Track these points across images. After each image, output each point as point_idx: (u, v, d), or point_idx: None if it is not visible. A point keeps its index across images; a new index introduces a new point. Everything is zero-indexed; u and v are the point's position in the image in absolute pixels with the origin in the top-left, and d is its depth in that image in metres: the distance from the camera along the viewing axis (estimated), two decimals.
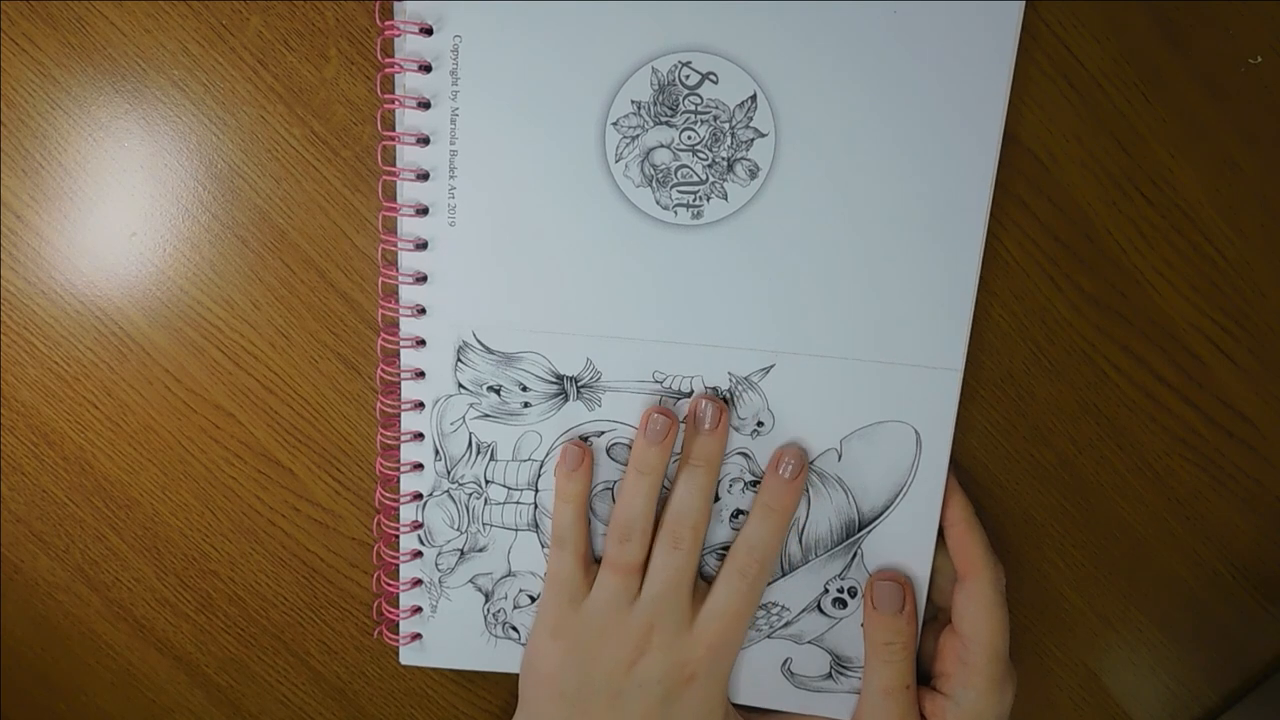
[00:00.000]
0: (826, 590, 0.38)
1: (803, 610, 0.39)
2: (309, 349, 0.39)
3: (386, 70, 0.34)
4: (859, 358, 0.36)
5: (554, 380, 0.37)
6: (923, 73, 0.33)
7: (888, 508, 0.37)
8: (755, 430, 0.37)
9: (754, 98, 0.34)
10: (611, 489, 0.38)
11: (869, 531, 0.38)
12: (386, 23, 0.34)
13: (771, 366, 0.36)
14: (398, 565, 0.39)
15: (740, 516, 0.38)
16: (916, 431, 0.36)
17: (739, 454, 0.37)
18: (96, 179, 0.37)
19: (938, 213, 0.34)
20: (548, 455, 0.38)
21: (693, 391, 0.37)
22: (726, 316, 0.36)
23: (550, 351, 0.37)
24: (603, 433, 0.37)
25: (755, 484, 0.37)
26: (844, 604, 0.38)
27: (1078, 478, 0.39)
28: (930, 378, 0.36)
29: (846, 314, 0.35)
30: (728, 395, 0.37)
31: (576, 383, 0.37)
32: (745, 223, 0.35)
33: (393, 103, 0.35)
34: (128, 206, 0.37)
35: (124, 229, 0.38)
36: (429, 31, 0.34)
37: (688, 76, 0.34)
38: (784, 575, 0.38)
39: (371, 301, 0.38)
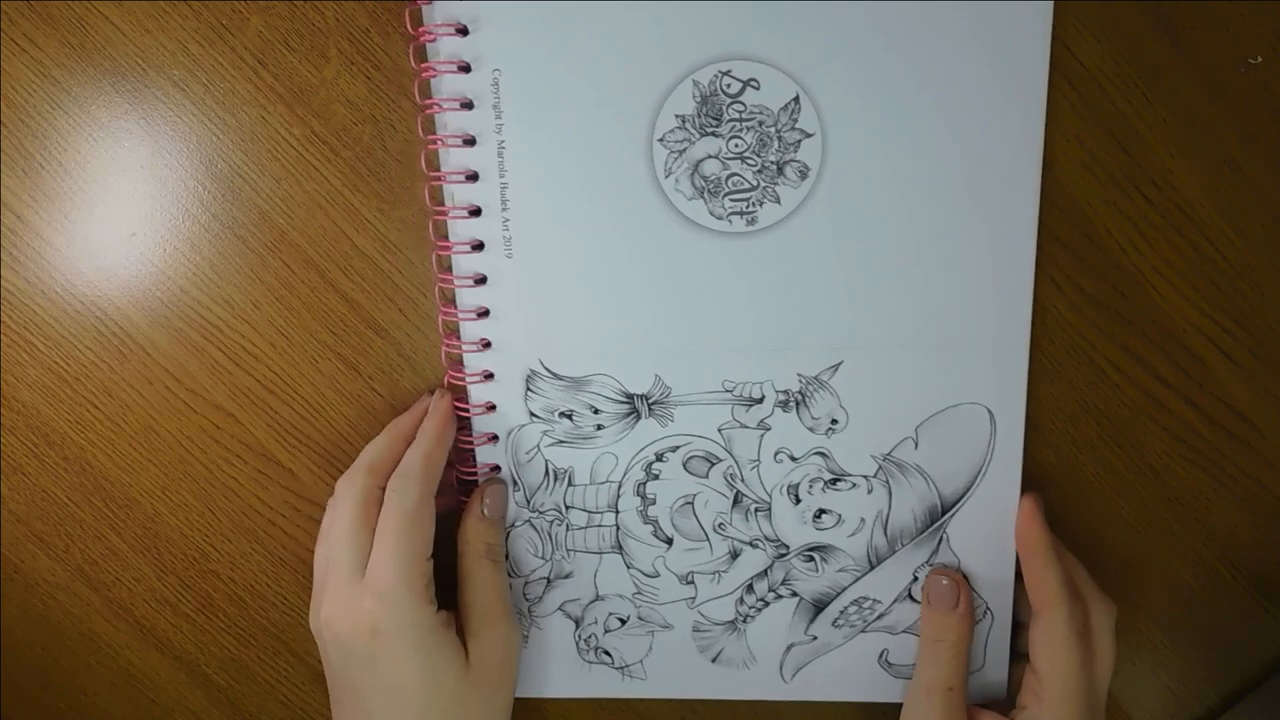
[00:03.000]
0: (915, 578, 0.39)
1: (894, 600, 0.39)
2: (309, 349, 0.39)
3: (427, 111, 0.34)
4: (925, 345, 0.36)
5: (625, 400, 0.37)
6: (962, 53, 0.33)
7: (968, 489, 0.37)
8: (830, 429, 0.37)
9: (797, 99, 0.34)
10: (691, 503, 0.38)
11: (952, 515, 0.38)
12: (424, 65, 0.34)
13: (840, 364, 0.36)
14: None
15: (823, 516, 0.38)
16: (989, 410, 0.36)
17: (816, 454, 0.37)
18: (96, 179, 0.37)
19: (988, 192, 0.34)
20: (625, 476, 0.38)
21: (764, 397, 0.37)
22: (791, 318, 0.36)
23: (619, 372, 0.37)
24: (678, 447, 0.38)
25: (834, 482, 0.38)
26: None
27: (1078, 478, 0.39)
28: (997, 357, 0.36)
29: (908, 303, 0.35)
30: (799, 396, 0.37)
31: (647, 400, 0.37)
32: (800, 224, 0.35)
33: (436, 143, 0.35)
34: (128, 206, 0.37)
35: (124, 229, 0.38)
36: (467, 69, 0.34)
37: (729, 85, 0.34)
38: (872, 568, 0.39)
39: (372, 301, 0.38)
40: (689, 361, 0.36)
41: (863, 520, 0.38)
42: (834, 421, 0.37)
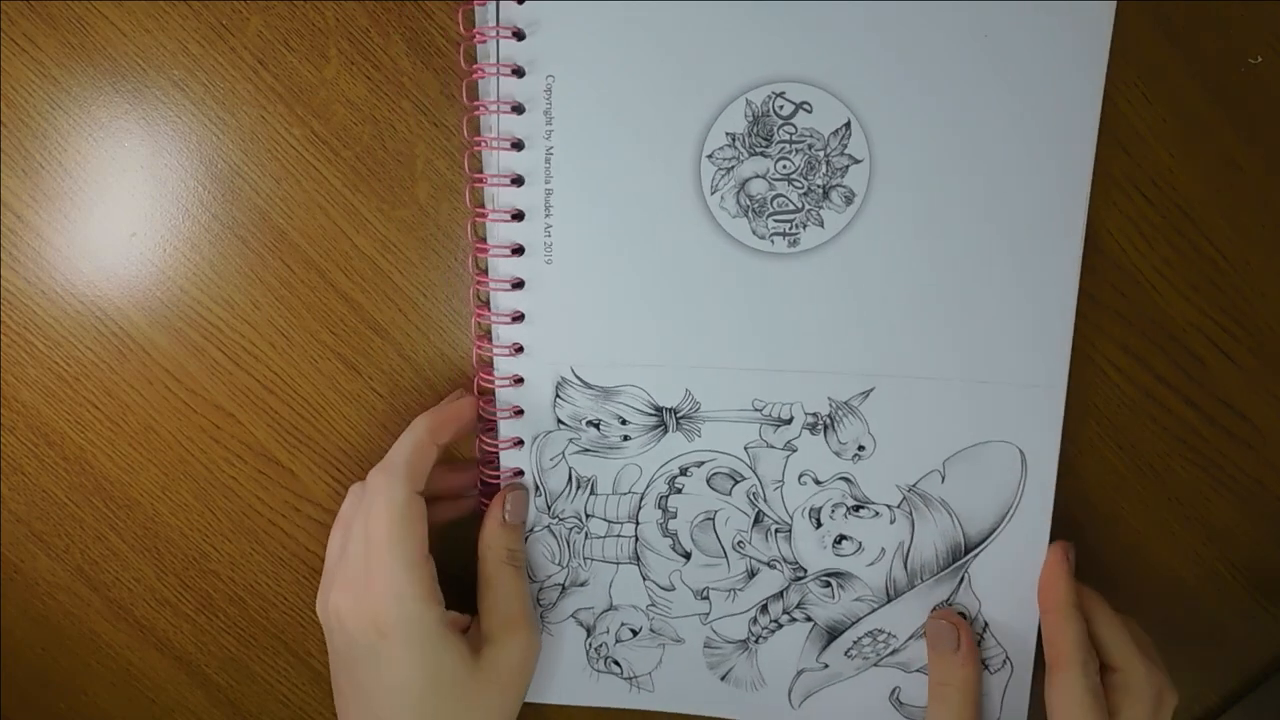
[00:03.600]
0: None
1: (910, 637, 0.38)
2: (309, 349, 0.39)
3: (474, 113, 0.34)
4: (959, 378, 0.35)
5: (653, 413, 0.37)
6: (1014, 92, 0.33)
7: (994, 530, 0.37)
8: (857, 455, 0.37)
9: (848, 125, 0.34)
10: (712, 519, 0.38)
11: (975, 555, 0.37)
12: (474, 66, 0.34)
13: (871, 390, 0.36)
14: None
15: (843, 542, 0.38)
16: (1021, 451, 0.36)
17: (840, 479, 0.37)
18: (96, 179, 0.37)
19: (1033, 229, 0.34)
20: (648, 488, 0.38)
21: (793, 419, 0.36)
22: (825, 342, 0.36)
23: (649, 384, 0.37)
24: (703, 463, 0.37)
25: (856, 509, 0.37)
26: None
27: (1079, 478, 0.39)
28: (1032, 396, 0.35)
29: (945, 335, 0.35)
30: (828, 420, 0.36)
31: (676, 414, 0.37)
32: (842, 249, 0.35)
33: (480, 144, 0.34)
34: (128, 206, 0.37)
35: (124, 229, 0.38)
36: (520, 73, 0.34)
37: (781, 107, 0.34)
38: (889, 600, 0.38)
39: (372, 301, 0.38)
40: (720, 378, 0.36)
41: (883, 550, 0.38)
42: (861, 448, 0.36)
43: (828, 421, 0.36)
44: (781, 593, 0.39)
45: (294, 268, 0.38)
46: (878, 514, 0.37)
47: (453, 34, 0.35)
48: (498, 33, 0.33)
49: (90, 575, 0.42)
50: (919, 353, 0.35)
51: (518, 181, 0.35)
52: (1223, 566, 0.40)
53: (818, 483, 0.37)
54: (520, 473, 0.38)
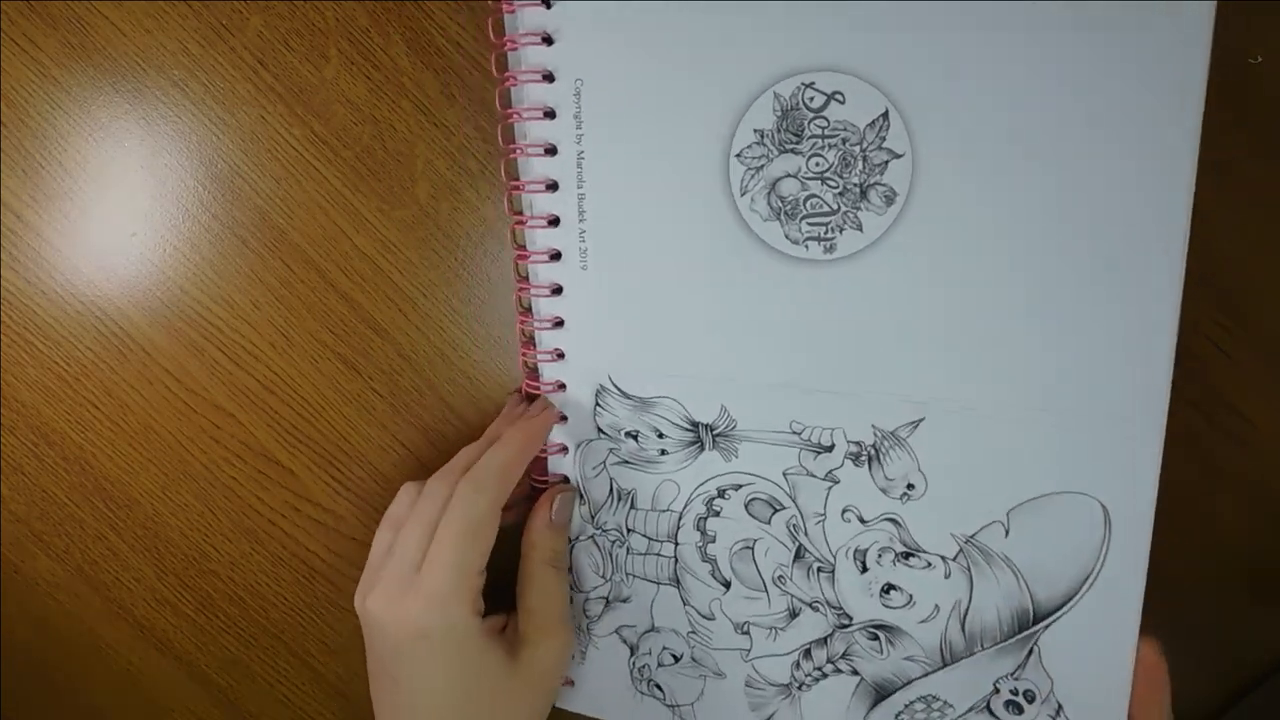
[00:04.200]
0: (997, 690, 0.33)
1: (969, 710, 0.34)
2: (309, 349, 0.39)
3: (508, 120, 0.34)
4: (1025, 414, 0.30)
5: (690, 428, 0.35)
6: (1089, 77, 0.28)
7: (1071, 600, 0.31)
8: (905, 494, 0.32)
9: (885, 115, 0.30)
10: (752, 548, 0.35)
11: (1047, 626, 0.32)
12: (505, 74, 0.33)
13: (921, 420, 0.32)
14: None
15: (891, 592, 0.34)
16: (1104, 507, 0.30)
17: (888, 520, 0.33)
18: (96, 179, 0.37)
19: (1118, 236, 0.28)
20: (686, 507, 0.36)
21: (834, 446, 0.33)
22: (868, 362, 0.32)
23: (685, 397, 0.34)
24: (740, 486, 0.35)
25: (906, 556, 0.33)
26: (1019, 709, 0.33)
27: None
28: (1120, 440, 0.30)
29: (1006, 360, 0.30)
30: (872, 451, 0.32)
31: (712, 431, 0.34)
32: (884, 255, 0.31)
33: (515, 151, 0.34)
34: (128, 206, 0.37)
35: (124, 229, 0.38)
36: (550, 78, 0.33)
37: (811, 99, 0.30)
38: (944, 665, 0.34)
39: (372, 301, 0.38)
40: (756, 395, 0.33)
41: (937, 608, 0.33)
42: (910, 486, 0.32)
43: (872, 453, 0.32)
44: (826, 639, 0.35)
45: (294, 268, 0.38)
46: (930, 565, 0.33)
47: (453, 34, 0.35)
48: (526, 40, 0.33)
49: (90, 575, 0.42)
50: (975, 379, 0.30)
51: (552, 187, 0.34)
52: (1223, 566, 0.40)
53: (863, 521, 0.33)
54: (567, 480, 0.37)
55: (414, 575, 0.33)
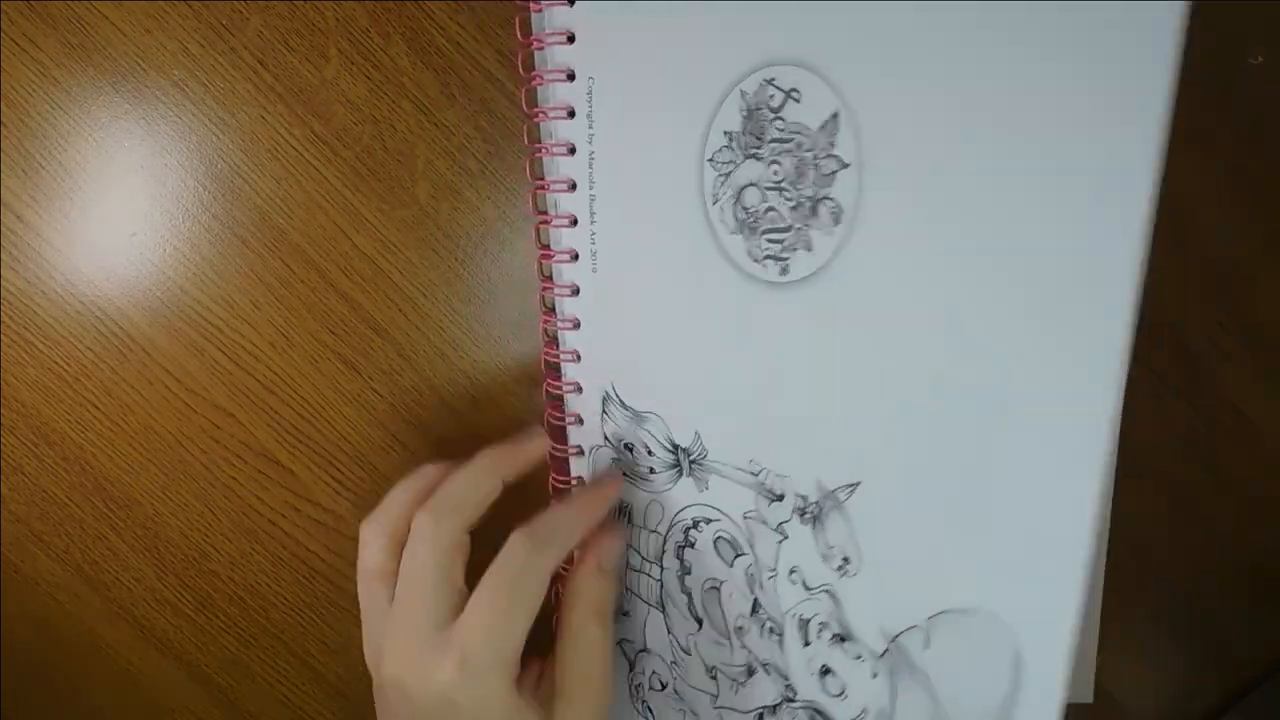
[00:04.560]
0: None
1: None
2: (309, 349, 0.39)
3: (533, 120, 0.34)
4: (964, 491, 0.24)
5: (670, 449, 0.33)
6: (1055, 74, 0.23)
7: None
8: (842, 566, 0.28)
9: (835, 116, 0.25)
10: (719, 589, 0.33)
11: None
12: (531, 74, 0.33)
13: (858, 484, 0.27)
14: None
15: (828, 677, 0.29)
16: (1016, 640, 0.24)
17: (825, 592, 0.29)
18: (96, 179, 0.37)
19: (1079, 271, 0.22)
20: (668, 532, 0.33)
21: (784, 496, 0.29)
22: (815, 404, 0.27)
23: (668, 416, 0.32)
24: (710, 520, 0.32)
25: (843, 640, 0.29)
26: None
27: None
28: (1044, 560, 0.23)
29: (949, 422, 0.24)
30: (816, 509, 0.28)
31: (688, 456, 0.32)
32: (829, 283, 0.26)
33: (540, 150, 0.34)
34: (128, 206, 0.37)
35: (124, 229, 0.38)
36: (572, 77, 0.32)
37: (772, 96, 0.27)
38: None
39: (372, 301, 0.38)
40: (723, 425, 0.30)
41: (864, 710, 0.29)
42: (845, 560, 0.28)
43: (816, 511, 0.28)
44: (775, 707, 0.32)
45: (294, 268, 0.38)
46: (860, 657, 0.28)
47: (453, 34, 0.35)
48: (552, 39, 0.32)
49: (90, 575, 0.42)
50: (916, 444, 0.25)
51: (573, 187, 0.33)
52: (1223, 566, 0.40)
53: (807, 588, 0.29)
54: (583, 481, 0.36)
55: (436, 634, 0.29)
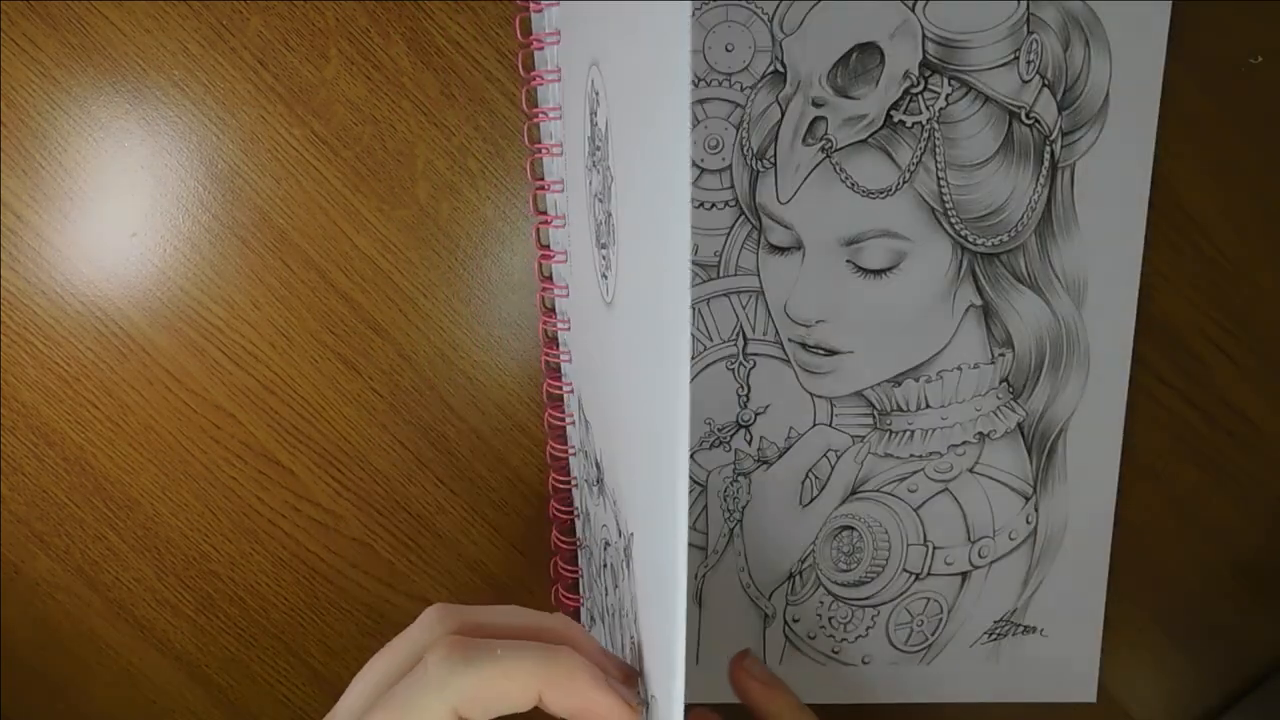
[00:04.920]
0: None
1: None
2: (309, 349, 0.39)
3: (533, 120, 0.34)
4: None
5: (597, 465, 0.31)
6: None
7: None
8: (634, 627, 0.25)
9: (607, 124, 0.22)
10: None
11: None
12: (532, 73, 0.33)
13: (632, 536, 0.23)
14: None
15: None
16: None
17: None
18: (96, 179, 0.37)
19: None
20: (605, 550, 0.31)
21: (608, 544, 0.27)
22: (618, 441, 0.25)
23: (596, 431, 0.31)
24: (607, 544, 0.29)
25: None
26: None
27: None
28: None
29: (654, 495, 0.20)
30: (625, 556, 0.25)
31: (600, 472, 0.30)
32: (616, 310, 0.23)
33: (540, 150, 0.34)
34: (128, 206, 0.37)
35: (124, 229, 0.38)
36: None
37: (594, 96, 0.24)
38: None
39: (372, 301, 0.38)
40: (610, 450, 0.27)
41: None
42: (636, 619, 0.25)
43: (625, 558, 0.25)
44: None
45: (294, 268, 0.38)
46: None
47: (453, 34, 0.35)
48: (550, 40, 0.32)
49: (90, 575, 0.42)
50: (649, 510, 0.20)
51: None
52: (1223, 566, 0.40)
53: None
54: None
55: None
